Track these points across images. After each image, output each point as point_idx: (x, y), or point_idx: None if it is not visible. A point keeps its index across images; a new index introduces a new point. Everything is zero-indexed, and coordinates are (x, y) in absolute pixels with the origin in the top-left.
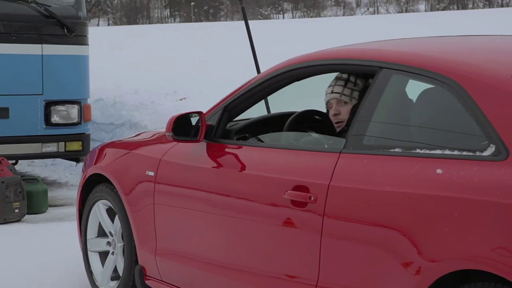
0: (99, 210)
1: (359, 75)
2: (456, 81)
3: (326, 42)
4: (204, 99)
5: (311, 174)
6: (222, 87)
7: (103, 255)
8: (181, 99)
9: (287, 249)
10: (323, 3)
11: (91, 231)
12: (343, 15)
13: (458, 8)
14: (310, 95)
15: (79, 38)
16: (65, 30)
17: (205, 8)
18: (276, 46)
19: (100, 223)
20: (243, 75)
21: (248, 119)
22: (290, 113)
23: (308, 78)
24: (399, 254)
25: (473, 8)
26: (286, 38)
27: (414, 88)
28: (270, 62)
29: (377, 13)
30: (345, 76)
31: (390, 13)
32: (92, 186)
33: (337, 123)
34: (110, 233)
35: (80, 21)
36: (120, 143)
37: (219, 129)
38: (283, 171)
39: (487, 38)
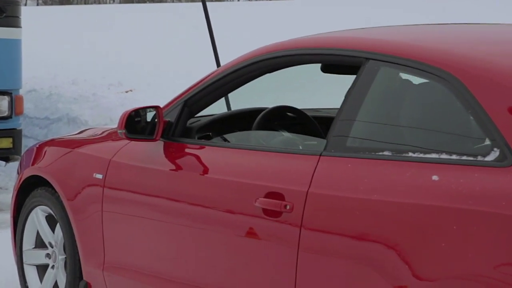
0: (37, 218)
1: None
2: (454, 75)
3: (294, 29)
4: (153, 91)
5: (286, 179)
6: (173, 78)
7: (42, 269)
8: (127, 91)
9: (258, 265)
10: None
11: (28, 241)
12: None
13: None
14: (282, 89)
15: (10, 20)
16: None
17: None
18: (232, 32)
19: (38, 232)
20: (198, 64)
21: (211, 115)
22: (260, 110)
23: (281, 70)
24: (388, 273)
25: None
26: (242, 24)
27: (405, 83)
28: (228, 51)
29: None
30: None
31: None
32: (29, 190)
33: None
34: (50, 243)
35: (12, 0)
36: (62, 141)
37: (179, 126)
38: (253, 176)
39: (487, 27)
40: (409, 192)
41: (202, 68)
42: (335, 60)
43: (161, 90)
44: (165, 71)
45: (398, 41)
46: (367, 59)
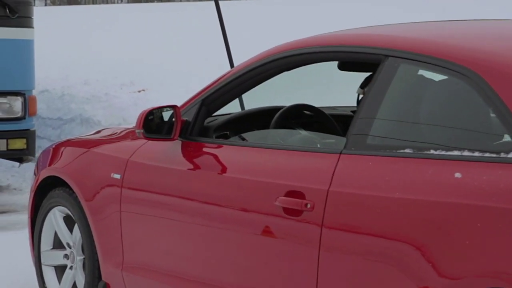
0: (55, 218)
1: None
2: (475, 72)
3: (306, 29)
4: (166, 91)
5: (307, 177)
6: (186, 78)
7: (60, 270)
8: (139, 91)
9: (279, 264)
10: None
11: (46, 242)
12: None
13: None
14: (299, 86)
15: (23, 20)
16: (7, 10)
17: None
18: (246, 32)
19: (56, 233)
20: (209, 63)
21: (228, 114)
22: (277, 108)
23: (298, 68)
24: (411, 272)
25: None
26: (255, 23)
27: (426, 80)
28: (241, 50)
29: None
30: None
31: None
32: (46, 190)
33: None
34: (68, 244)
35: (24, 0)
36: (79, 141)
37: (196, 125)
38: (273, 175)
39: (504, 23)
40: (432, 189)
41: (214, 67)
42: (353, 57)
43: (173, 90)
44: (177, 70)
45: (417, 37)
46: (387, 56)
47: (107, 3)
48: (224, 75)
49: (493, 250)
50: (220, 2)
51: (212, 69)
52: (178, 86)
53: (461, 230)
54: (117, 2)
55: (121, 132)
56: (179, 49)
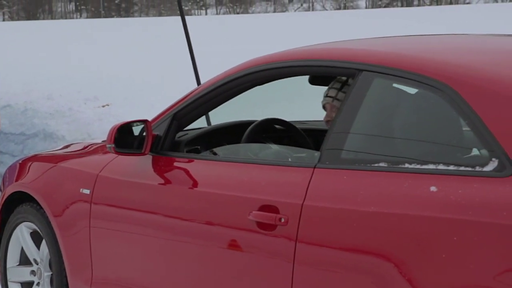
0: (21, 234)
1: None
2: (448, 85)
3: (259, 41)
4: (130, 105)
5: (281, 192)
6: (151, 93)
7: (26, 287)
8: (103, 106)
9: (252, 280)
10: None
11: (12, 258)
12: (274, 11)
13: (402, 6)
14: (270, 101)
15: None
16: None
17: (116, 2)
18: (203, 47)
19: (22, 249)
20: (176, 78)
21: (199, 128)
22: (248, 122)
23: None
24: (388, 286)
25: (418, 5)
26: (211, 37)
27: (399, 94)
28: (209, 64)
29: (312, 10)
30: (343, 78)
31: (326, 9)
32: (13, 206)
33: None
34: (35, 260)
35: None
36: (47, 156)
37: (167, 140)
38: (246, 189)
39: (483, 37)
40: (407, 203)
41: (179, 81)
42: (327, 72)
43: (138, 104)
44: (142, 85)
45: (391, 51)
46: (360, 70)
47: (66, 18)
48: (196, 89)
49: (470, 263)
50: (187, 17)
51: (178, 84)
52: (143, 101)
53: (437, 243)
54: (76, 17)
55: (90, 146)
56: (143, 63)
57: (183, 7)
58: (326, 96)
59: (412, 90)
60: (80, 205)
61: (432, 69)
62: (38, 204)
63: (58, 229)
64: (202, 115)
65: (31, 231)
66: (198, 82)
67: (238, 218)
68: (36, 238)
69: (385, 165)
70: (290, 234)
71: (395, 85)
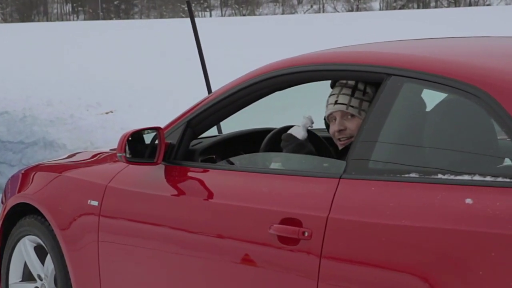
0: (25, 248)
1: (370, 83)
2: (483, 90)
3: (268, 45)
4: (135, 112)
5: (304, 204)
6: (157, 98)
7: None
8: (107, 113)
9: None
10: None
11: (14, 274)
12: (283, 13)
13: (418, 7)
14: (291, 107)
15: None
16: None
17: (115, 3)
18: (208, 50)
19: (26, 264)
20: (184, 82)
21: (214, 136)
22: (267, 130)
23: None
24: None
25: (436, 7)
26: (216, 40)
27: (431, 100)
28: (219, 68)
29: (323, 12)
30: (351, 83)
31: (338, 11)
32: (15, 219)
33: (341, 139)
34: (39, 276)
35: None
36: (52, 166)
37: (181, 148)
38: (266, 201)
39: (504, 40)
40: (441, 216)
41: (189, 85)
42: (352, 76)
43: (144, 111)
44: (148, 89)
45: (422, 55)
46: (389, 74)
47: (62, 20)
48: (212, 94)
49: (510, 281)
50: (184, 19)
51: (185, 89)
52: (149, 107)
53: (474, 260)
54: (73, 19)
55: (97, 155)
56: (147, 67)
57: (186, 8)
58: (336, 103)
59: (444, 96)
60: (87, 217)
61: (466, 73)
62: (42, 216)
63: (64, 243)
64: (218, 122)
65: (35, 245)
66: (209, 87)
67: (258, 232)
68: (41, 252)
69: (417, 176)
70: (314, 249)
71: (426, 90)
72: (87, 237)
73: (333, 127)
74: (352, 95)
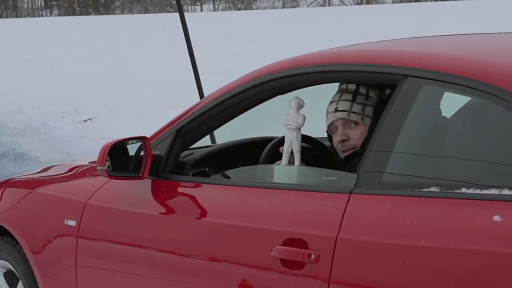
0: None
1: (372, 85)
2: None
3: (266, 42)
4: (117, 119)
5: (309, 222)
6: (141, 103)
7: None
8: (85, 120)
9: None
10: None
11: None
12: (283, 7)
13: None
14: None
15: None
16: None
17: None
18: (200, 48)
19: None
20: (167, 85)
21: (206, 147)
22: (266, 139)
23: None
24: None
25: None
26: (208, 37)
27: (453, 104)
28: (210, 67)
29: (329, 5)
30: (352, 87)
31: (345, 4)
32: None
33: (345, 151)
34: None
35: None
36: (23, 181)
37: (170, 161)
38: (267, 219)
39: None
40: (465, 236)
41: (175, 90)
42: (364, 78)
43: (126, 118)
44: (129, 95)
45: (443, 53)
46: (405, 76)
47: (34, 16)
48: (203, 100)
49: None
50: (172, 14)
51: (174, 92)
52: (133, 114)
53: (503, 285)
54: (46, 15)
55: (75, 169)
56: (132, 67)
57: (173, 1)
58: (337, 111)
59: (468, 99)
60: (64, 239)
61: (493, 75)
62: (13, 238)
63: (37, 268)
64: (212, 131)
65: (5, 271)
66: (200, 91)
67: (258, 255)
68: (11, 279)
69: (438, 190)
70: (321, 273)
71: (447, 93)
72: (64, 261)
73: (336, 138)
74: (353, 100)
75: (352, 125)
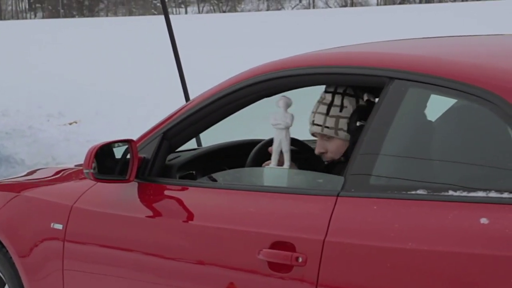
0: None
1: (351, 91)
2: (500, 96)
3: (251, 45)
4: (103, 122)
5: (297, 225)
6: (128, 105)
7: None
8: (70, 123)
9: None
10: None
11: None
12: (268, 9)
13: (421, 2)
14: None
15: None
16: None
17: None
18: (185, 51)
19: None
20: (153, 87)
21: (192, 150)
22: (253, 142)
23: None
24: None
25: (440, 1)
26: (197, 40)
27: (440, 107)
28: (196, 70)
29: (313, 7)
30: (328, 98)
31: (330, 7)
32: None
33: (326, 160)
34: None
35: None
36: (9, 185)
37: (156, 163)
38: (254, 222)
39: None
40: (452, 238)
41: (161, 92)
42: (350, 81)
43: (113, 120)
44: (115, 97)
45: (429, 56)
46: (392, 78)
47: (18, 18)
48: (190, 102)
49: None
50: (156, 17)
51: (159, 94)
52: (118, 116)
53: (491, 287)
54: (31, 18)
55: (61, 172)
56: (118, 70)
57: (158, 4)
58: (313, 124)
59: (455, 102)
60: (50, 243)
61: (480, 77)
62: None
63: (24, 272)
64: (198, 134)
65: None
66: (186, 94)
67: (245, 258)
68: None
69: (425, 193)
70: (309, 276)
71: (434, 95)
72: (50, 265)
73: (316, 148)
74: (327, 113)
75: (326, 138)
